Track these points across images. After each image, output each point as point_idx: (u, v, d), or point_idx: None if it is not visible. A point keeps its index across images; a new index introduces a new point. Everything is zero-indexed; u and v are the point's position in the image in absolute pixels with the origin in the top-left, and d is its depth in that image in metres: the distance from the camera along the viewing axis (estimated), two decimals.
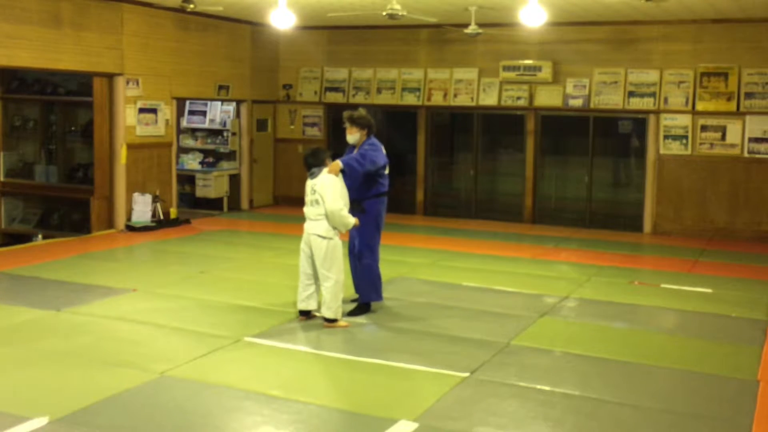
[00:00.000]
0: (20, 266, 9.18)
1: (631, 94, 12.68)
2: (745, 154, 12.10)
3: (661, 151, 12.56)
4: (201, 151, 14.52)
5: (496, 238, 11.95)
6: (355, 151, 7.35)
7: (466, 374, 5.86)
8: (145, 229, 11.73)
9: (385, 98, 14.23)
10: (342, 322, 7.07)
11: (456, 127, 14.84)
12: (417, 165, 14.25)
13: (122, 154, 11.78)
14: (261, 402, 5.27)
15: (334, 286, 6.97)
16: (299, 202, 14.52)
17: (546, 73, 12.99)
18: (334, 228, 6.99)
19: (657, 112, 12.54)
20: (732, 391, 5.73)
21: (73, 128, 12.74)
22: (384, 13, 10.04)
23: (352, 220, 7.01)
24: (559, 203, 13.87)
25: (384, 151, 7.44)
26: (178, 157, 13.60)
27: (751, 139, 12.05)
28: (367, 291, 7.48)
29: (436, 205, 14.36)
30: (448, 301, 7.99)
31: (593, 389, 5.65)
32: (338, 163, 7.04)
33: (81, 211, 12.22)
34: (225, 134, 14.42)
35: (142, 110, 12.00)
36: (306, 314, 7.19)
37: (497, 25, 12.62)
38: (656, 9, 11.14)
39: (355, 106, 14.40)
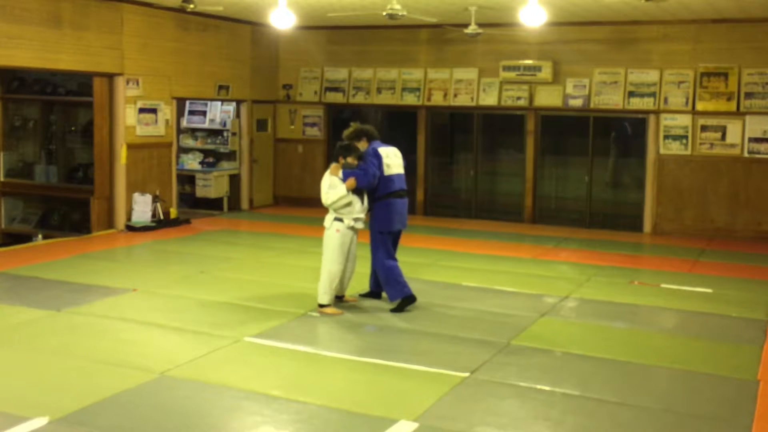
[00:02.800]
0: (20, 266, 9.18)
1: (631, 94, 12.67)
2: (745, 154, 12.10)
3: (661, 151, 12.55)
4: (201, 151, 14.52)
5: (496, 238, 11.95)
6: None
7: (466, 374, 5.86)
8: (145, 229, 11.73)
9: (385, 98, 14.23)
10: (331, 309, 7.42)
11: (456, 127, 14.84)
12: (417, 165, 14.22)
13: (122, 154, 11.78)
14: (261, 402, 5.28)
15: (325, 275, 7.40)
16: (299, 202, 14.76)
17: (546, 73, 12.98)
18: (340, 218, 7.40)
19: (657, 112, 12.54)
20: (732, 391, 5.73)
21: (73, 128, 12.75)
22: (384, 13, 10.04)
23: (341, 191, 7.31)
24: (559, 203, 13.87)
25: (385, 152, 7.63)
26: (178, 157, 13.60)
27: (751, 139, 12.05)
28: (386, 291, 7.73)
29: (436, 205, 14.36)
30: (448, 301, 7.99)
31: (593, 389, 5.65)
32: (338, 171, 7.41)
33: (81, 211, 12.22)
34: (225, 134, 14.42)
35: (142, 110, 12.00)
36: (339, 298, 7.79)
37: (497, 25, 12.62)
38: (656, 9, 11.14)
39: (355, 106, 14.71)
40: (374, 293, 8.01)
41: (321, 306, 7.44)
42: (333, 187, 7.38)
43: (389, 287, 7.64)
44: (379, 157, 7.54)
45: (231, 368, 5.96)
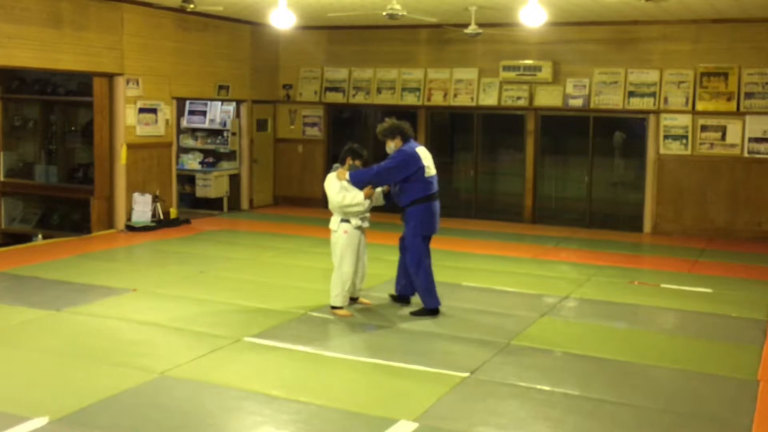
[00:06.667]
0: (20, 266, 9.18)
1: (631, 94, 12.67)
2: (745, 154, 12.10)
3: (661, 151, 12.55)
4: (201, 151, 14.52)
5: (496, 238, 11.95)
6: None
7: (466, 374, 5.86)
8: (145, 229, 11.73)
9: (385, 98, 14.22)
10: (343, 311, 7.35)
11: (456, 127, 14.84)
12: None
13: (122, 154, 11.78)
14: (261, 402, 5.28)
15: (336, 276, 7.33)
16: (299, 202, 14.77)
17: (546, 73, 12.98)
18: (346, 218, 7.30)
19: (657, 112, 12.54)
20: (732, 391, 5.73)
21: (73, 128, 12.75)
22: (384, 13, 10.04)
23: (358, 198, 7.19)
24: (559, 203, 13.87)
25: (423, 153, 7.42)
26: (178, 157, 13.60)
27: (751, 139, 12.05)
28: (422, 297, 7.52)
29: None
30: (448, 301, 7.97)
31: (593, 389, 5.65)
32: (345, 174, 7.25)
33: (81, 211, 12.22)
34: (225, 134, 14.42)
35: (142, 110, 12.00)
36: (353, 300, 7.67)
37: (497, 25, 12.62)
38: (656, 9, 11.14)
39: (355, 106, 14.69)
40: (406, 298, 7.74)
41: (333, 308, 7.38)
42: (347, 189, 7.21)
43: (428, 295, 7.45)
44: (416, 161, 7.31)
45: (231, 368, 5.96)
